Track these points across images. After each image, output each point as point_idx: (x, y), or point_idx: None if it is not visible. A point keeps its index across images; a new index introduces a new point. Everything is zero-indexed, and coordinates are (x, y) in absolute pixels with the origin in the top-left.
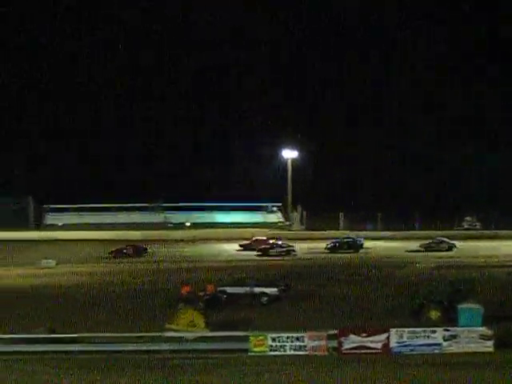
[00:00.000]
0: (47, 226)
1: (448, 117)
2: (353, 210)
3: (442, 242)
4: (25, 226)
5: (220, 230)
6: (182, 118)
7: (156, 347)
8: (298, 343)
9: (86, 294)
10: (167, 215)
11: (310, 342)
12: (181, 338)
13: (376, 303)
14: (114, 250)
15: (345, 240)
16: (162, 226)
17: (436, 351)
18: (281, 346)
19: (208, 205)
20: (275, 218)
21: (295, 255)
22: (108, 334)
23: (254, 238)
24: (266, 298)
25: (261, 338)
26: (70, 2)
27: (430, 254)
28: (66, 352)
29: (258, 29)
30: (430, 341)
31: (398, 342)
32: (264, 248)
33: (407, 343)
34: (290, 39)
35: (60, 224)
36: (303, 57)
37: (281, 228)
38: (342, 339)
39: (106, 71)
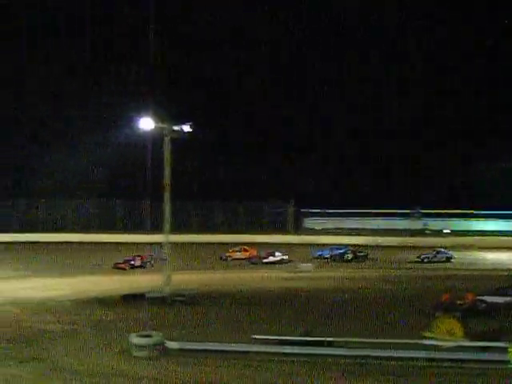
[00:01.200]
0: (306, 230)
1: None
2: None
3: (439, 252)
4: (284, 230)
5: (477, 238)
6: None
7: (412, 354)
8: None
9: (342, 299)
10: (426, 222)
11: None
12: (438, 346)
13: None
14: (119, 261)
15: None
16: (420, 232)
17: None
18: None
19: (468, 211)
20: None
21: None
22: (362, 340)
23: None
24: None
25: None
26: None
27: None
28: (319, 355)
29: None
30: None
31: None
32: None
33: None
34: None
35: (318, 228)
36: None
37: None
38: None
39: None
